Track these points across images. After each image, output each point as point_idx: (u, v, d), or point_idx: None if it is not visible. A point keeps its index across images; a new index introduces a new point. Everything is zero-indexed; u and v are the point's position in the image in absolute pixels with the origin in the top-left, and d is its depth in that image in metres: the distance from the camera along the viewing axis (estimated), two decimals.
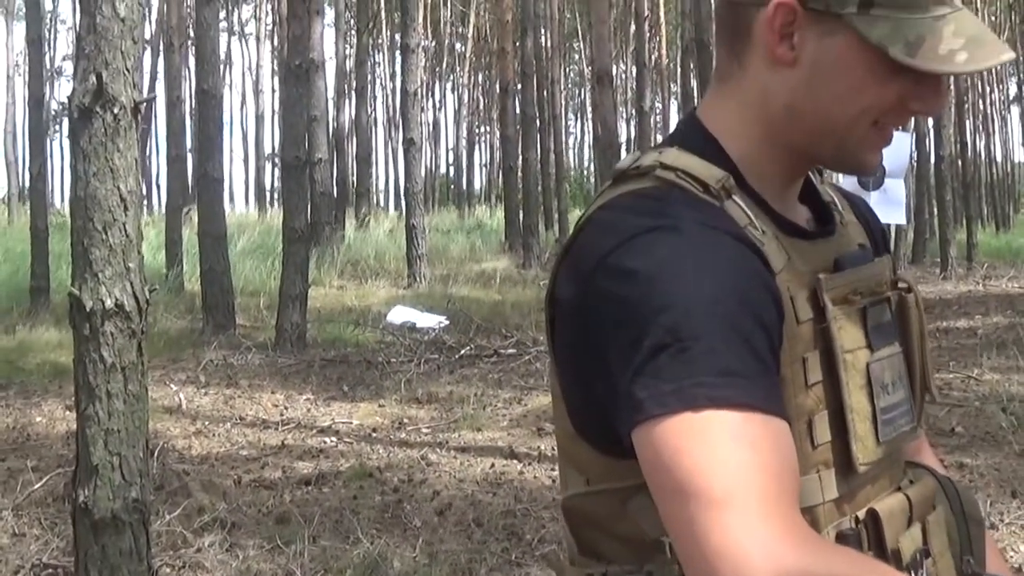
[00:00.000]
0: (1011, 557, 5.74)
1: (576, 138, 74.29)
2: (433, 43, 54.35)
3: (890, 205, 8.63)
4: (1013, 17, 42.76)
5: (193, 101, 19.80)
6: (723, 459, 1.18)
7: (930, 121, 27.16)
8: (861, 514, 1.40)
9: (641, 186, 1.39)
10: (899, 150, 8.89)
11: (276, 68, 48.65)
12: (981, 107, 51.09)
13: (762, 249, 1.35)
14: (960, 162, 30.97)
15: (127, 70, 4.19)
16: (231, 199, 63.83)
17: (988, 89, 53.20)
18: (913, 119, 21.17)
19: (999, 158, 57.08)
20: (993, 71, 53.20)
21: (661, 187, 1.38)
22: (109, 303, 4.12)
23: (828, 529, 1.35)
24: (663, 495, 1.21)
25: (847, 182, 8.41)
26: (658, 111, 53.76)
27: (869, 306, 1.45)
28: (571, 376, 1.41)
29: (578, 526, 1.46)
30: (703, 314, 1.23)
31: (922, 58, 1.32)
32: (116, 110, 4.19)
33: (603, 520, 1.40)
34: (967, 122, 37.70)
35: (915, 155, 26.08)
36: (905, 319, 1.52)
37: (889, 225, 10.45)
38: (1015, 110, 58.35)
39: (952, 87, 26.71)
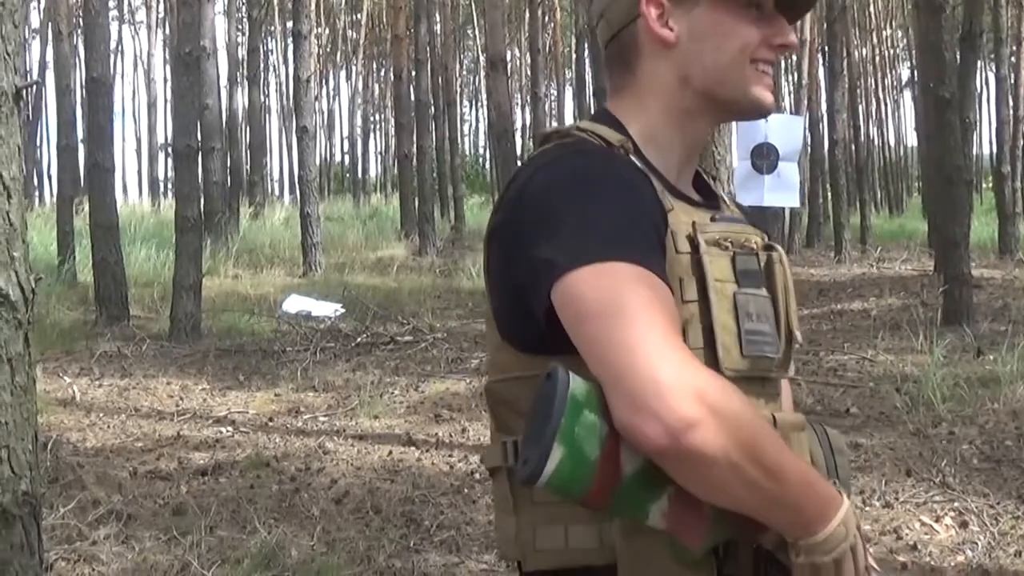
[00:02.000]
0: (906, 534, 5.83)
1: (471, 125, 74.34)
2: (327, 30, 53.96)
3: (784, 189, 8.68)
4: (905, 2, 43.34)
5: (83, 90, 19.39)
6: (631, 290, 1.49)
7: (823, 105, 27.48)
8: None
9: (562, 140, 1.75)
10: (792, 134, 8.93)
11: (168, 57, 48.10)
12: (874, 92, 51.70)
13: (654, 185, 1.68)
14: (853, 146, 31.37)
15: (7, 55, 4.09)
16: (124, 189, 62.88)
17: (880, 74, 53.87)
18: (806, 101, 21.36)
19: (892, 142, 57.81)
20: (885, 56, 53.88)
21: (577, 140, 1.73)
22: None
23: None
24: (581, 326, 1.51)
25: (740, 167, 8.46)
26: (553, 97, 53.89)
27: (737, 254, 1.71)
28: (499, 289, 1.73)
29: (495, 406, 1.75)
30: (608, 208, 1.58)
31: None
32: None
33: (514, 401, 1.69)
34: (860, 107, 38.20)
35: (809, 139, 26.35)
36: (771, 274, 1.77)
37: (783, 208, 10.55)
38: (907, 94, 59.03)
39: (845, 73, 27.04)
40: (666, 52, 1.78)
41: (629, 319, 1.45)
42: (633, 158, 1.71)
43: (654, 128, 1.79)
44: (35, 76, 36.70)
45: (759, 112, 1.84)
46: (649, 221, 1.61)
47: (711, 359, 1.62)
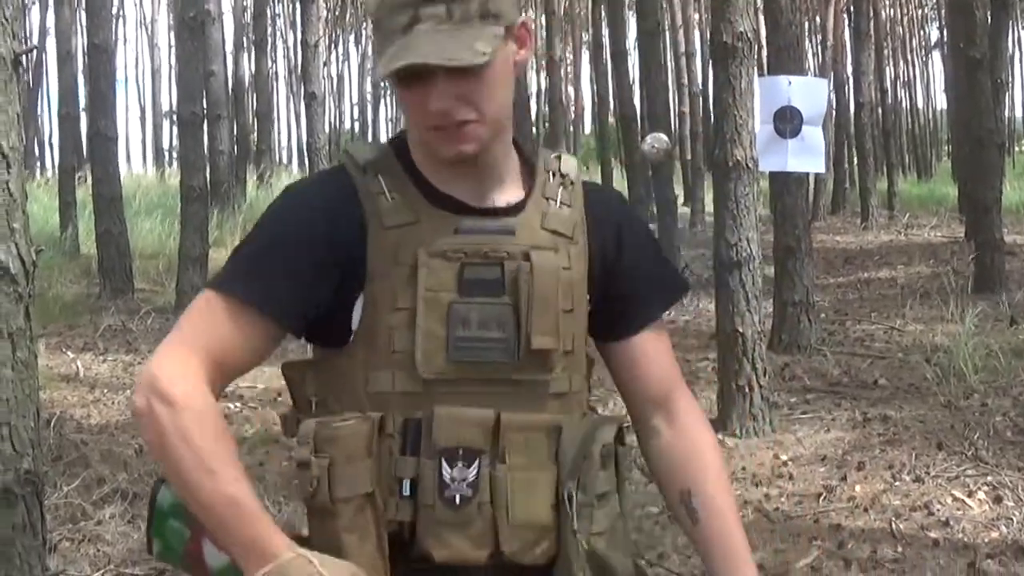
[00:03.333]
0: (937, 510, 5.71)
1: None
2: None
3: (808, 153, 8.49)
4: None
5: (85, 57, 19.17)
6: (197, 312, 1.91)
7: (849, 67, 27.07)
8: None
9: (329, 165, 2.04)
10: (816, 97, 8.73)
11: (172, 22, 47.89)
12: (902, 53, 51.08)
13: (374, 206, 1.91)
14: (880, 109, 30.80)
15: (5, 20, 3.95)
16: (128, 158, 62.87)
17: (909, 35, 53.24)
18: (832, 69, 20.94)
19: (920, 105, 57.03)
20: (913, 16, 53.21)
21: (337, 165, 2.00)
22: None
23: (397, 415, 1.86)
24: None
25: (763, 131, 8.27)
26: (569, 61, 53.59)
27: (467, 264, 1.89)
28: None
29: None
30: (259, 243, 1.94)
31: (382, 67, 1.83)
32: None
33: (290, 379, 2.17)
34: (887, 68, 37.63)
35: (834, 103, 25.93)
36: (517, 283, 1.90)
37: (807, 174, 10.33)
38: (936, 55, 58.42)
39: (872, 34, 26.63)
40: None
41: (175, 331, 1.90)
42: (380, 177, 1.93)
43: (417, 149, 1.99)
44: (35, 42, 36.40)
45: (450, 162, 1.93)
46: (295, 253, 1.89)
47: (410, 363, 1.87)
